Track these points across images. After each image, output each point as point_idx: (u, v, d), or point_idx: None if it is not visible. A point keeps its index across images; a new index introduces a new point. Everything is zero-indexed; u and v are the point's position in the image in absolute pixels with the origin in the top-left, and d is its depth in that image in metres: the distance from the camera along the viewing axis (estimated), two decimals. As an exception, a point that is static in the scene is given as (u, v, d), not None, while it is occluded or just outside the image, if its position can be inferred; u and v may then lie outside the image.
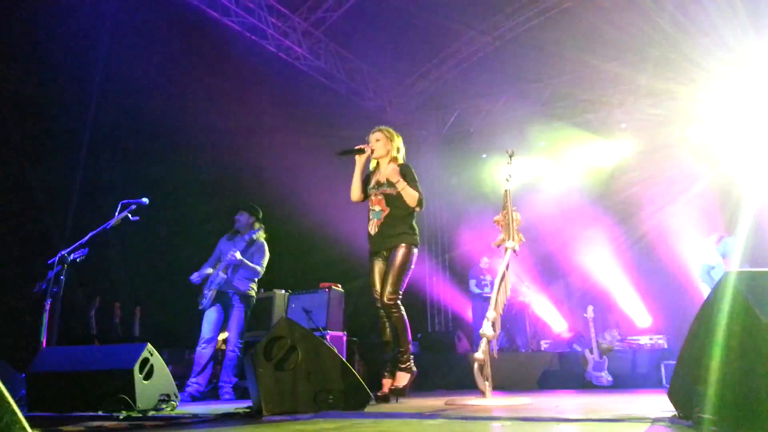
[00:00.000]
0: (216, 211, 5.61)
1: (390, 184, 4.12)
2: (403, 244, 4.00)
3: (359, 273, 8.63)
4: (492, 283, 7.24)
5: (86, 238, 4.40)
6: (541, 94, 10.29)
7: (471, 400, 3.73)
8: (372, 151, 4.18)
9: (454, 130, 11.35)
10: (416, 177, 4.19)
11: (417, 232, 4.15)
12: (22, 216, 5.67)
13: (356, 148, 4.16)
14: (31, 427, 0.96)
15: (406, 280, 4.05)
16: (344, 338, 6.77)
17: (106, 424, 2.60)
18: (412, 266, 4.07)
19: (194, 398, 5.04)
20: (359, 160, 4.18)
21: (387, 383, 3.99)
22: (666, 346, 7.62)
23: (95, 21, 6.24)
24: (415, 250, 4.09)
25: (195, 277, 5.31)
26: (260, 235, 5.44)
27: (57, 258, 4.34)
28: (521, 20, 9.34)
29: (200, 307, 5.27)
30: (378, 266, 4.11)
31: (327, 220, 8.23)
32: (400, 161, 4.24)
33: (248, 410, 3.09)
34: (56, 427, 2.38)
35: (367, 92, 10.28)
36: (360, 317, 7.84)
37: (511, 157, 4.26)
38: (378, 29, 8.79)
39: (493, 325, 3.90)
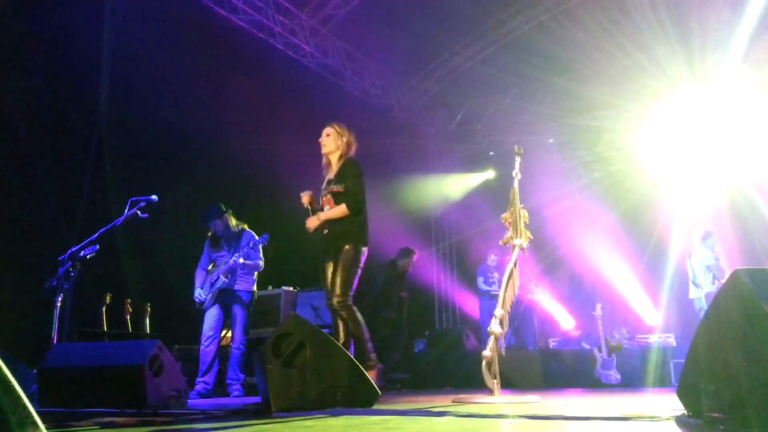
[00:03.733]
0: (226, 206, 5.62)
1: (338, 180, 4.04)
2: (348, 245, 3.89)
3: (367, 271, 8.66)
4: (500, 281, 7.23)
5: (96, 235, 4.43)
6: (548, 90, 10.24)
7: (479, 398, 3.73)
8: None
9: (461, 128, 11.33)
10: (359, 172, 4.07)
11: (365, 229, 4.04)
12: (32, 213, 5.71)
13: (305, 207, 4.16)
14: (43, 422, 0.97)
15: (355, 280, 3.94)
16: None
17: (117, 419, 2.62)
18: (361, 265, 3.96)
19: (203, 396, 5.07)
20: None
21: None
22: (675, 345, 7.58)
23: (103, 18, 6.27)
24: (363, 249, 3.99)
25: (200, 295, 5.32)
26: (242, 227, 5.45)
27: (67, 255, 4.37)
28: (529, 17, 9.30)
29: (201, 307, 5.29)
30: (328, 267, 4.01)
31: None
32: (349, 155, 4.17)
33: (257, 407, 3.11)
34: (67, 423, 2.40)
35: (374, 90, 10.27)
36: (367, 315, 7.85)
37: (518, 154, 4.25)
38: (385, 27, 8.78)
39: (501, 322, 3.90)
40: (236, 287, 5.33)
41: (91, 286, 5.23)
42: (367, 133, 9.54)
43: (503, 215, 4.14)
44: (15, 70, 5.62)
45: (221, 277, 5.21)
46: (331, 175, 4.08)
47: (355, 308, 3.87)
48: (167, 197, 4.82)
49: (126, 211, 4.48)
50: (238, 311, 5.30)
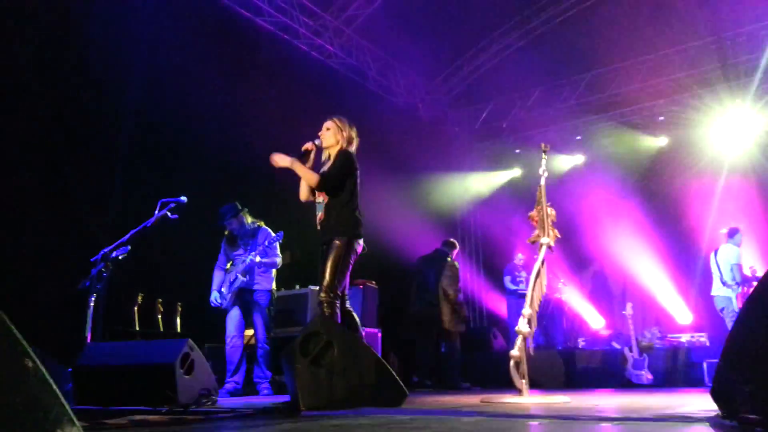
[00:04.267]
0: (253, 208, 5.67)
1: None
2: (337, 238, 3.72)
3: (394, 270, 8.66)
4: (527, 280, 7.17)
5: (128, 236, 4.52)
6: (575, 87, 10.12)
7: (507, 398, 3.71)
8: (321, 143, 3.98)
9: (486, 126, 11.26)
10: (347, 164, 3.87)
11: (357, 222, 3.85)
12: (65, 215, 5.84)
13: (303, 149, 3.94)
14: (78, 419, 0.99)
15: (344, 277, 3.73)
16: (379, 335, 6.81)
17: (149, 417, 2.67)
18: (350, 260, 3.76)
19: (233, 394, 5.13)
20: (307, 160, 3.95)
21: None
22: (708, 344, 7.42)
23: (132, 22, 6.39)
24: (355, 243, 3.78)
25: (217, 299, 5.34)
26: (258, 224, 5.46)
27: (100, 256, 4.46)
28: (554, 13, 9.21)
29: (222, 306, 5.33)
30: (321, 261, 3.81)
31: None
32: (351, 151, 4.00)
33: (286, 405, 3.14)
34: (101, 420, 2.45)
35: (398, 89, 10.27)
36: (395, 314, 7.85)
37: (544, 152, 4.21)
38: (409, 26, 8.78)
39: (529, 322, 3.87)
40: (255, 286, 5.35)
41: (123, 286, 5.32)
42: (391, 132, 9.60)
43: (530, 213, 4.11)
44: (46, 72, 5.76)
45: (239, 276, 5.24)
46: (326, 168, 3.94)
47: (338, 308, 3.67)
48: (196, 198, 4.89)
49: (156, 212, 4.56)
50: (258, 310, 5.33)
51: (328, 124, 4.01)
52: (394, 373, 3.09)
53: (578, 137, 10.52)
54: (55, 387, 0.95)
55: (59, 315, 5.20)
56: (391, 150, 9.42)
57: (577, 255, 9.59)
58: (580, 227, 9.21)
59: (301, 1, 8.32)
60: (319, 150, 4.03)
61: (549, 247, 4.03)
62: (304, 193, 3.98)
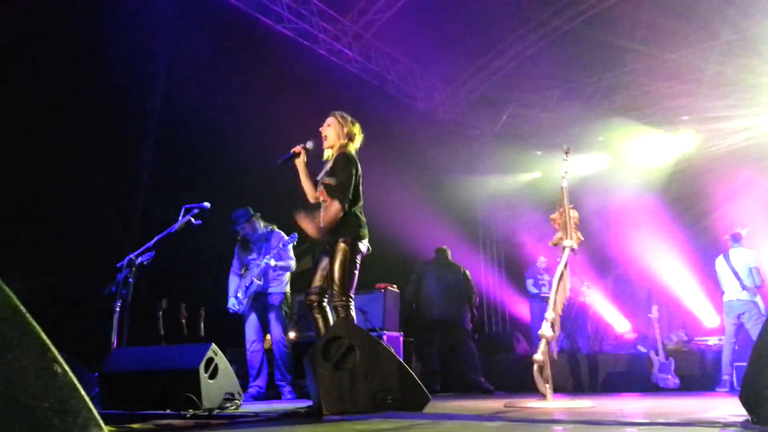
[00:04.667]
0: (275, 214, 5.72)
1: (330, 173, 3.83)
2: (342, 240, 3.65)
3: (416, 272, 8.64)
4: (550, 283, 7.11)
5: (152, 242, 4.58)
6: (597, 87, 10.01)
7: (531, 403, 3.68)
8: (311, 147, 3.91)
9: (507, 128, 11.19)
10: (349, 168, 3.76)
11: (360, 224, 3.77)
12: (91, 222, 5.96)
13: (292, 152, 3.89)
14: (105, 423, 1.00)
15: (354, 278, 3.69)
16: (401, 339, 6.80)
17: (174, 422, 2.70)
18: (357, 261, 3.70)
19: (256, 398, 5.16)
20: (299, 163, 3.90)
21: None
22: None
23: (155, 31, 6.50)
24: (360, 244, 3.71)
25: (234, 305, 5.37)
26: (271, 228, 5.49)
27: (125, 261, 4.53)
28: (574, 13, 9.12)
29: (240, 312, 5.36)
30: (322, 261, 3.78)
31: (382, 221, 8.26)
32: (350, 149, 3.90)
33: (309, 409, 3.15)
34: (127, 425, 2.49)
35: (418, 93, 10.28)
36: (418, 318, 7.83)
37: (566, 153, 4.17)
38: (428, 29, 8.78)
39: (552, 325, 3.83)
40: (270, 289, 5.38)
41: (148, 292, 5.40)
42: (412, 136, 9.61)
43: (552, 216, 4.07)
44: (71, 82, 5.88)
45: (255, 280, 5.28)
46: (327, 166, 3.89)
47: (352, 309, 3.66)
48: (219, 204, 4.95)
49: (180, 218, 4.63)
50: (273, 313, 5.34)
51: (329, 120, 3.94)
52: (416, 378, 3.08)
53: (600, 138, 10.40)
54: (83, 392, 0.97)
55: (86, 320, 5.29)
56: (412, 153, 9.43)
57: (601, 257, 9.48)
58: (603, 229, 9.11)
59: (321, 7, 8.38)
60: (316, 150, 3.97)
61: (572, 249, 3.99)
62: (311, 196, 3.94)
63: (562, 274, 3.92)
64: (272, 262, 5.25)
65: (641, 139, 9.98)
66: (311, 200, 3.95)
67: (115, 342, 4.48)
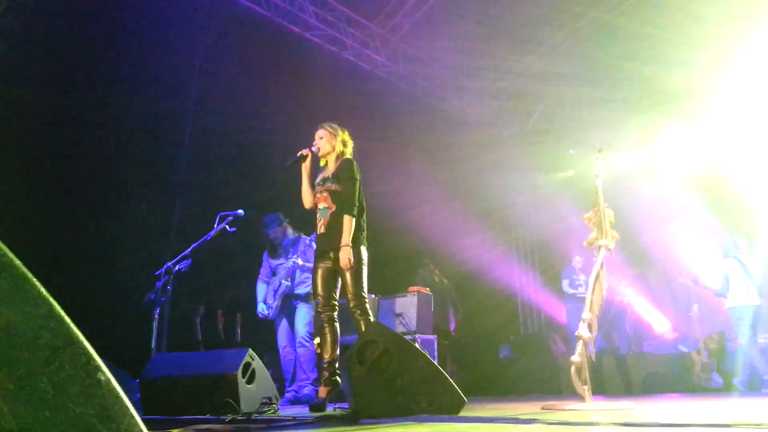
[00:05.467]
0: (307, 219, 5.79)
1: (335, 180, 3.94)
2: (347, 246, 3.79)
3: (449, 276, 8.61)
4: (586, 283, 7.00)
5: (189, 249, 4.68)
6: (631, 83, 9.81)
7: (569, 405, 3.63)
8: (318, 150, 4.04)
9: (537, 127, 11.06)
10: (356, 175, 3.95)
11: (362, 229, 3.95)
12: (129, 232, 6.12)
13: (299, 154, 4.03)
14: (147, 429, 1.03)
15: (365, 281, 3.86)
16: (435, 341, 6.78)
17: (214, 426, 2.75)
18: (364, 264, 3.88)
19: (293, 403, 5.21)
20: (304, 167, 4.05)
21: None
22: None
23: (189, 39, 6.65)
24: (363, 249, 3.90)
25: (264, 310, 5.43)
26: (299, 235, 5.53)
27: (163, 270, 4.64)
28: (604, 8, 8.97)
29: (270, 317, 5.40)
30: (322, 268, 3.90)
31: (414, 225, 8.27)
32: (348, 156, 4.06)
33: (345, 413, 3.17)
34: (168, 430, 2.54)
35: (447, 94, 10.25)
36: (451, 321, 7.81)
37: (599, 151, 4.10)
38: (456, 30, 8.75)
39: (590, 326, 3.77)
40: (296, 291, 5.41)
41: (186, 299, 5.51)
42: (441, 138, 9.58)
43: (586, 215, 4.01)
44: (111, 93, 6.05)
45: (283, 282, 5.33)
46: (327, 173, 4.03)
47: (369, 311, 3.82)
48: (253, 211, 5.03)
49: (215, 225, 4.72)
50: (300, 310, 5.37)
51: (319, 132, 4.11)
52: (451, 380, 3.07)
53: (636, 135, 10.20)
54: (125, 399, 1.00)
55: (127, 327, 5.43)
56: (442, 156, 9.41)
57: (639, 256, 9.28)
58: (641, 228, 8.92)
59: (348, 13, 8.44)
60: (315, 157, 4.09)
61: (608, 249, 3.93)
62: (308, 202, 4.09)
63: (598, 275, 3.86)
64: (300, 261, 5.31)
65: (678, 134, 9.75)
66: (306, 205, 4.12)
67: (155, 348, 4.59)
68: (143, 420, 1.03)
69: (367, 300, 3.84)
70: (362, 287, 3.82)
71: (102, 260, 5.78)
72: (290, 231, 5.57)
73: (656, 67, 9.38)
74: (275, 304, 5.38)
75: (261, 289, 5.57)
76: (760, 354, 6.34)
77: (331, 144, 4.04)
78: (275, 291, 5.39)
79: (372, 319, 3.83)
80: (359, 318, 3.78)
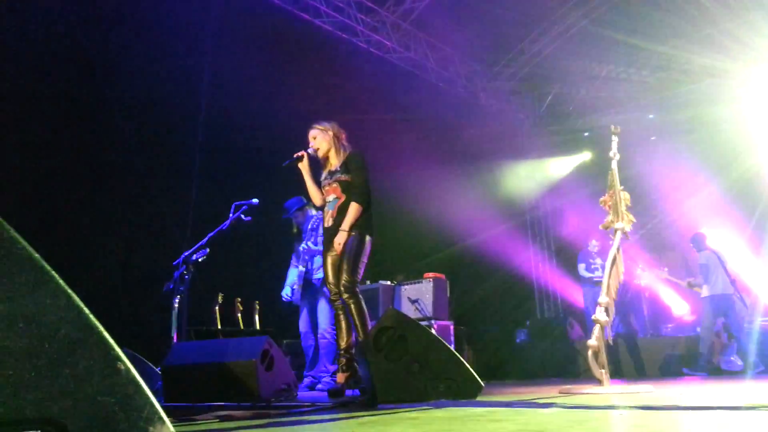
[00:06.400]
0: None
1: (343, 171, 3.99)
2: (354, 232, 3.85)
3: (464, 261, 8.62)
4: (602, 267, 6.95)
5: (206, 239, 4.72)
6: (645, 63, 9.67)
7: (587, 389, 3.62)
8: (315, 151, 4.10)
9: (552, 110, 10.96)
10: (364, 165, 4.02)
11: (370, 220, 3.97)
12: (148, 223, 6.19)
13: (295, 156, 4.09)
14: (168, 416, 1.05)
15: (362, 269, 3.89)
16: (451, 327, 6.80)
17: (234, 413, 2.78)
18: (366, 255, 3.91)
19: (311, 388, 5.24)
20: (303, 167, 4.10)
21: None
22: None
23: (200, 28, 6.67)
24: (368, 239, 3.92)
25: (287, 294, 5.40)
26: (311, 212, 5.46)
27: (181, 259, 4.69)
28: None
29: (293, 301, 5.41)
30: (332, 257, 3.92)
31: (428, 211, 8.26)
32: (345, 144, 4.13)
33: (363, 398, 3.19)
34: (189, 417, 2.58)
35: (459, 79, 10.17)
36: (467, 306, 7.82)
37: (614, 134, 4.06)
38: (467, 14, 8.66)
39: (606, 310, 3.76)
40: (314, 276, 5.35)
41: (204, 287, 5.56)
42: (454, 123, 9.53)
43: (602, 198, 3.98)
44: (124, 85, 6.10)
45: (299, 267, 5.34)
46: (332, 167, 4.08)
47: (360, 296, 3.84)
48: (267, 199, 5.05)
49: (231, 215, 4.74)
50: (319, 300, 5.31)
51: (312, 133, 4.18)
52: (468, 365, 3.08)
53: (651, 116, 10.06)
54: (145, 387, 1.02)
55: (148, 317, 5.50)
56: (455, 140, 9.37)
57: (656, 238, 9.20)
58: (658, 210, 8.83)
59: (358, -1, 8.39)
60: (315, 158, 4.14)
61: (624, 232, 3.90)
62: (317, 199, 4.15)
63: (614, 258, 3.84)
64: (311, 245, 5.26)
65: (695, 115, 9.59)
66: (317, 202, 4.18)
67: (175, 337, 4.65)
68: (164, 407, 1.05)
69: (356, 285, 3.84)
70: (356, 274, 3.83)
71: (123, 253, 5.86)
72: (313, 212, 5.50)
73: (671, 46, 9.22)
74: (297, 289, 5.37)
75: (290, 273, 5.56)
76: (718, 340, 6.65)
77: (326, 140, 4.12)
78: (299, 277, 5.40)
79: (362, 301, 3.84)
80: (348, 301, 3.79)
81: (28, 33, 5.43)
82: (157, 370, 4.36)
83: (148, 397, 1.00)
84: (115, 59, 6.09)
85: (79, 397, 0.95)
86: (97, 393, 0.96)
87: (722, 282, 6.78)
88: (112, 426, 0.95)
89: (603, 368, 3.64)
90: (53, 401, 0.93)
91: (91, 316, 1.00)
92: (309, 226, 5.45)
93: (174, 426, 1.03)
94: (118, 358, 0.99)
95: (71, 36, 5.68)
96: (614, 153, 4.00)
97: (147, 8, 6.17)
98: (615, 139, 4.04)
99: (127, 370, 0.99)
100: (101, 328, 0.99)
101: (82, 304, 1.00)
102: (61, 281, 0.99)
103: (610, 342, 3.75)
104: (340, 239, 3.81)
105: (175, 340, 4.62)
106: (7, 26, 5.35)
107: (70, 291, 0.99)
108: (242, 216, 4.73)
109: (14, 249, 0.98)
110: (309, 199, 5.54)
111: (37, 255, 0.99)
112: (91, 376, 0.96)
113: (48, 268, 0.99)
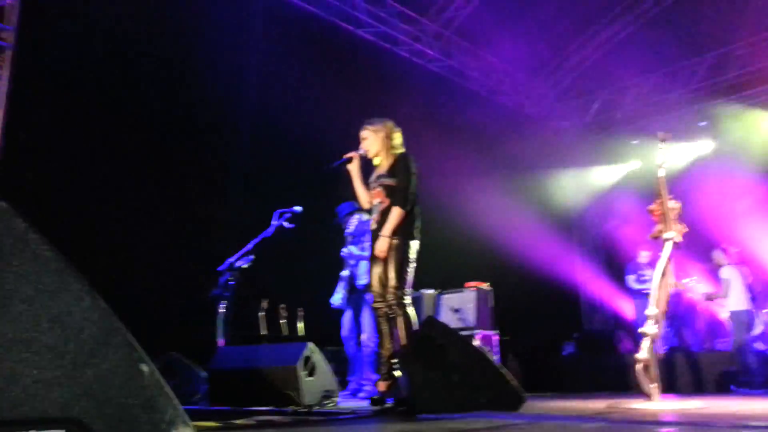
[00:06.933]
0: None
1: (389, 175, 3.85)
2: (396, 239, 3.69)
3: (510, 271, 8.48)
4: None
5: (250, 246, 4.79)
6: (696, 69, 9.36)
7: (635, 404, 3.51)
8: (366, 152, 3.98)
9: (599, 118, 10.72)
10: (410, 169, 3.84)
11: (414, 224, 3.81)
12: (194, 229, 6.34)
13: (345, 157, 3.97)
14: (210, 419, 1.06)
15: (410, 275, 3.72)
16: (495, 337, 6.69)
17: (274, 418, 2.82)
18: (412, 261, 3.74)
19: (354, 395, 5.24)
20: (352, 169, 3.98)
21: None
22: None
23: (246, 39, 6.83)
24: (412, 243, 3.75)
25: (336, 301, 5.43)
26: (363, 218, 5.39)
27: (226, 266, 4.77)
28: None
29: (339, 307, 5.42)
30: (377, 264, 3.78)
31: (472, 220, 8.18)
32: (398, 150, 3.95)
33: (403, 408, 3.18)
34: (231, 420, 2.62)
35: (502, 88, 10.08)
36: (513, 316, 7.68)
37: (663, 141, 3.94)
38: (510, 21, 8.58)
39: (656, 323, 3.64)
40: (359, 282, 5.31)
41: (249, 294, 5.64)
42: (498, 132, 9.43)
43: (649, 207, 3.87)
44: (171, 92, 6.28)
45: (345, 271, 5.35)
46: (381, 170, 3.96)
47: (410, 306, 3.70)
48: (312, 206, 5.09)
49: (274, 222, 4.81)
50: (363, 307, 5.29)
51: (363, 134, 4.04)
52: (510, 376, 3.03)
53: (702, 123, 9.71)
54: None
55: (195, 322, 5.62)
56: (500, 150, 9.26)
57: (710, 250, 8.85)
58: (711, 220, 8.50)
59: (400, 8, 8.43)
60: (366, 159, 4.04)
61: (674, 242, 3.77)
62: (365, 202, 4.06)
63: (664, 269, 3.72)
64: (353, 250, 5.25)
65: (749, 122, 9.22)
66: (364, 206, 4.09)
67: (221, 342, 4.73)
68: (209, 411, 1.07)
69: (407, 296, 3.72)
70: (404, 281, 3.70)
71: (171, 261, 6.00)
72: (365, 218, 5.41)
73: (724, 53, 8.90)
74: (344, 294, 5.39)
75: (342, 279, 5.61)
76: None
77: (378, 141, 3.98)
78: (345, 284, 5.42)
79: (412, 315, 3.72)
80: (398, 312, 3.66)
81: (78, 34, 5.63)
82: (203, 374, 4.44)
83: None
84: (164, 65, 6.28)
85: (101, 398, 0.95)
86: (120, 394, 0.97)
87: (744, 298, 6.89)
88: (134, 427, 0.95)
89: (652, 382, 3.52)
90: (77, 401, 0.94)
91: (116, 318, 1.01)
92: (354, 231, 5.46)
93: (216, 429, 1.04)
94: (142, 360, 1.00)
95: (121, 38, 5.88)
96: (662, 161, 3.89)
97: (194, 14, 6.34)
98: (663, 147, 3.92)
99: (151, 372, 1.00)
100: (125, 329, 1.00)
101: (106, 306, 1.00)
102: (84, 283, 1.00)
103: (660, 355, 3.62)
104: (380, 245, 3.72)
105: (220, 345, 4.70)
106: (59, 27, 5.57)
107: (94, 293, 1.00)
108: (285, 223, 4.78)
109: (39, 251, 0.99)
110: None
111: (61, 257, 1.00)
112: (114, 377, 0.97)
113: (71, 270, 1.00)
